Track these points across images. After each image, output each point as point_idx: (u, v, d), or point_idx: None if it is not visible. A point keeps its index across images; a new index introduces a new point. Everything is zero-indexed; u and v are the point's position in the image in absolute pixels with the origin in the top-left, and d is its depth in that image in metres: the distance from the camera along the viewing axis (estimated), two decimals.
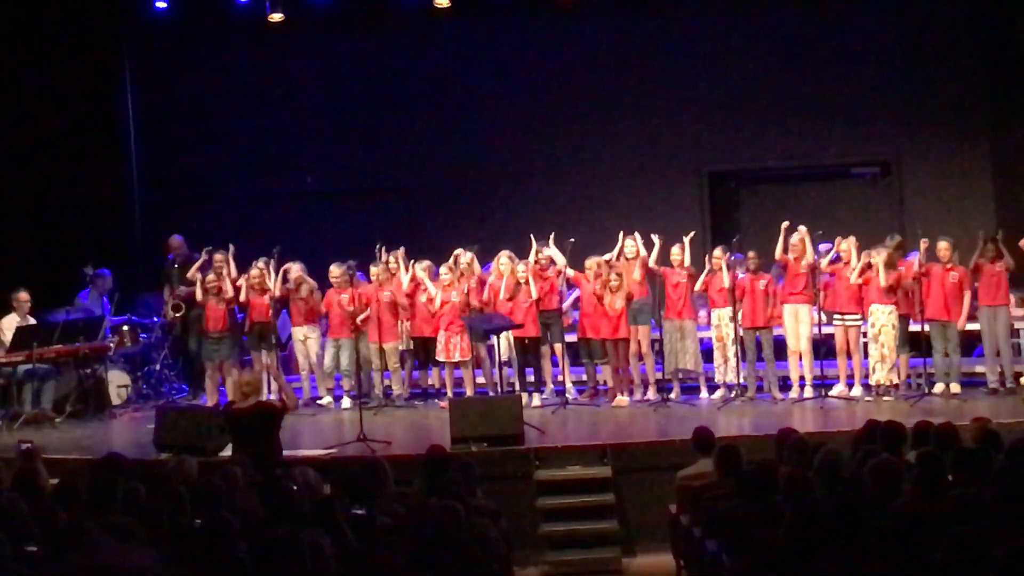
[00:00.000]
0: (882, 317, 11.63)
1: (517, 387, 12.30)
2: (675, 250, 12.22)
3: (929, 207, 14.31)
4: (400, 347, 12.68)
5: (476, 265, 12.66)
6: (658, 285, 12.17)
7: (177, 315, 13.54)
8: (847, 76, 14.96)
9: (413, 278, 12.56)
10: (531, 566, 9.54)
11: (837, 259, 12.05)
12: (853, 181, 15.76)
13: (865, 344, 11.93)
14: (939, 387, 11.79)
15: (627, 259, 12.22)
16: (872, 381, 11.71)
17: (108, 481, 6.55)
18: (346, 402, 12.66)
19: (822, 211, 14.46)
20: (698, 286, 12.15)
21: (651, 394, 12.26)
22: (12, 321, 12.48)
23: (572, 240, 12.42)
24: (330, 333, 12.69)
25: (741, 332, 11.98)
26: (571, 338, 12.74)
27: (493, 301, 12.24)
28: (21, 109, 14.26)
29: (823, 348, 11.96)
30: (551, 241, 12.46)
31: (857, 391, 11.83)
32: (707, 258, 12.31)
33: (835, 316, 11.97)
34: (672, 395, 12.17)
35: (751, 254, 12.21)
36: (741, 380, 11.94)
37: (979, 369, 12.21)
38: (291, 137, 15.72)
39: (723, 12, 15.19)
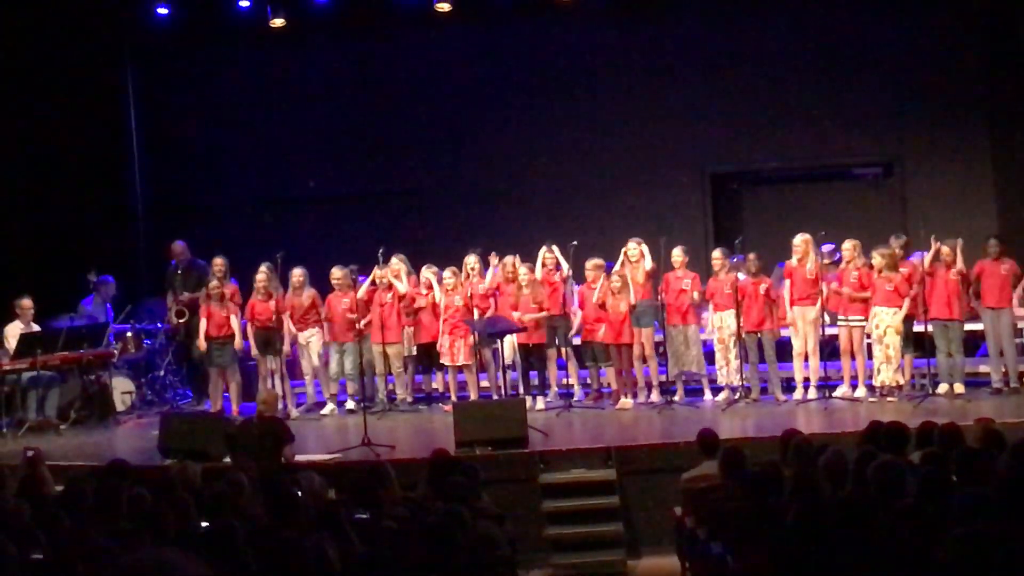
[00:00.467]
0: (887, 318, 11.63)
1: (521, 390, 12.30)
2: (676, 252, 12.23)
3: (931, 207, 14.30)
4: (404, 353, 12.69)
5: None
6: (660, 291, 12.20)
7: (180, 321, 13.54)
8: (849, 77, 14.95)
9: (416, 283, 12.58)
10: (536, 569, 9.54)
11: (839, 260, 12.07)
12: (855, 182, 15.76)
13: (869, 345, 11.93)
14: (943, 387, 11.78)
15: (631, 262, 12.23)
16: (877, 382, 11.70)
17: (113, 487, 6.56)
18: (350, 406, 12.66)
19: (824, 212, 14.46)
20: (704, 294, 12.13)
21: (655, 396, 12.27)
22: (16, 328, 12.49)
23: (575, 243, 12.44)
24: (332, 338, 12.70)
25: (742, 334, 11.97)
26: (578, 341, 12.74)
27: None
28: (24, 116, 14.27)
29: (827, 349, 11.96)
30: (556, 250, 12.47)
31: (861, 392, 11.82)
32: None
33: (839, 317, 11.96)
34: (676, 397, 12.18)
35: (751, 256, 12.20)
36: (744, 382, 11.94)
37: (983, 369, 12.20)
38: (293, 142, 15.74)
39: (725, 14, 15.19)
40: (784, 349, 12.22)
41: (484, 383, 12.57)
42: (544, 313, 12.14)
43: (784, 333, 12.20)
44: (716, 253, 12.36)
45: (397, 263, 12.63)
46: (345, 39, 15.67)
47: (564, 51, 15.53)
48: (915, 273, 11.90)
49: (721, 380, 12.16)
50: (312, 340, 12.74)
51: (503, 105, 15.61)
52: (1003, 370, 11.84)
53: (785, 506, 6.18)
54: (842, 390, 11.90)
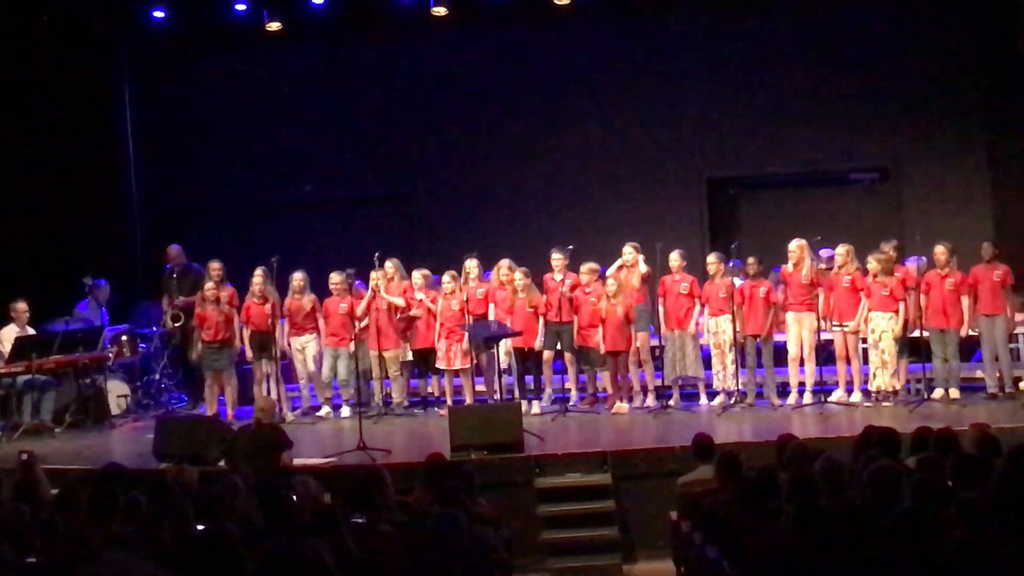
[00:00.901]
0: (882, 323, 11.63)
1: (516, 395, 12.29)
2: (673, 256, 12.22)
3: (928, 212, 14.31)
4: (401, 358, 12.67)
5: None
6: (657, 296, 12.20)
7: (176, 325, 13.53)
8: (845, 82, 14.95)
9: (409, 288, 12.55)
10: (532, 573, 9.54)
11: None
12: (852, 186, 15.74)
13: (864, 350, 11.93)
14: (939, 392, 11.79)
15: (627, 267, 12.23)
16: (872, 387, 11.70)
17: (108, 491, 6.54)
18: (345, 411, 12.65)
19: (821, 217, 14.47)
20: (700, 298, 12.13)
21: (650, 401, 12.27)
22: (11, 332, 12.48)
23: (571, 247, 12.45)
24: (327, 342, 12.69)
25: (740, 338, 11.96)
26: None
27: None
28: (19, 120, 14.25)
29: (822, 354, 11.97)
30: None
31: (856, 397, 11.83)
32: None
33: (834, 323, 11.96)
34: (672, 402, 12.18)
35: (750, 260, 12.20)
36: (739, 386, 11.94)
37: (978, 374, 12.19)
38: (289, 146, 15.72)
39: (722, 18, 15.19)
40: (780, 354, 12.22)
41: (480, 387, 12.56)
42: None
43: (780, 338, 12.20)
44: (711, 257, 12.34)
45: (391, 268, 12.62)
46: (341, 43, 15.66)
47: (561, 56, 15.52)
48: (909, 278, 11.92)
49: (717, 384, 12.16)
50: (309, 345, 12.72)
51: (500, 109, 15.60)
52: (998, 376, 11.85)
53: (781, 510, 6.18)
54: (838, 395, 11.90)
